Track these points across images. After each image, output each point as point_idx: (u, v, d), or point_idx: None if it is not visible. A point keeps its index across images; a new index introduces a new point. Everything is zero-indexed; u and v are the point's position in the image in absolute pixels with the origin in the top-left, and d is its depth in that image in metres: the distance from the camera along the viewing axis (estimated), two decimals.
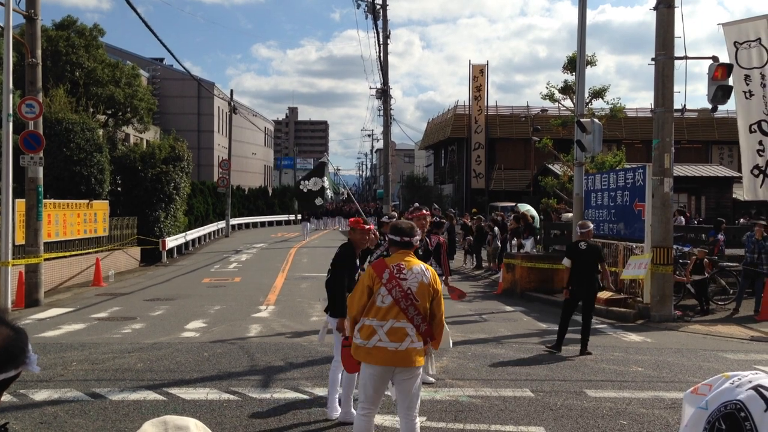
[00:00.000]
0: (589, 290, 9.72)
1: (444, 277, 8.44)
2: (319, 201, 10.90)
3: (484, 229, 22.14)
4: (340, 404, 6.56)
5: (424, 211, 7.95)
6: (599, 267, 9.77)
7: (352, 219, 7.08)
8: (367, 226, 6.90)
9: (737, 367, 8.75)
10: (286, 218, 52.57)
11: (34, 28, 14.28)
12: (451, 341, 8.05)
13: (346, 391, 6.46)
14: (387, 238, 5.17)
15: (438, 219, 10.83)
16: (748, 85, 12.05)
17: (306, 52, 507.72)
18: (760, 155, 13.44)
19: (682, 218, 19.37)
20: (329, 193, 10.05)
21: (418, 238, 5.16)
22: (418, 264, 4.97)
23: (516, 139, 41.86)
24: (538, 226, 19.84)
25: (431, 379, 7.85)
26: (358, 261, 6.89)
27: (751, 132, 13.21)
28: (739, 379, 1.61)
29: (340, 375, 6.56)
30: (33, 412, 6.60)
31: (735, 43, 11.95)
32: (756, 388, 1.56)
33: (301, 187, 11.00)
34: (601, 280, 9.95)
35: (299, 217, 42.41)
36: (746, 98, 12.30)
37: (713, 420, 1.57)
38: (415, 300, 4.83)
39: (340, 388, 6.57)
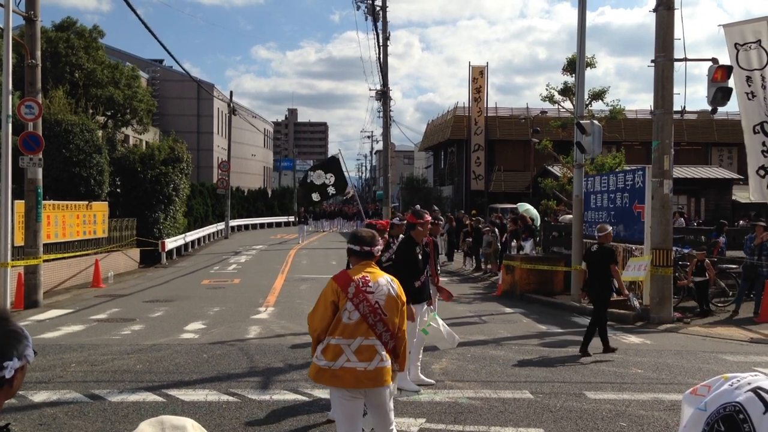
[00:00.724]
0: (599, 293, 9.76)
1: (433, 278, 8.39)
2: (316, 197, 10.62)
3: (481, 230, 22.13)
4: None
5: (427, 217, 7.87)
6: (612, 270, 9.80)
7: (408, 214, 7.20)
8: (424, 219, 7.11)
9: (737, 368, 8.75)
10: (286, 220, 52.56)
11: (33, 30, 14.28)
12: (457, 338, 7.99)
13: None
14: (347, 248, 4.80)
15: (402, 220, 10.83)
16: (750, 86, 12.06)
17: (305, 54, 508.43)
18: (765, 156, 13.45)
19: (682, 220, 19.38)
20: (331, 190, 9.83)
21: (379, 247, 4.85)
22: (382, 275, 4.65)
23: (516, 141, 41.85)
24: (538, 226, 19.84)
25: (431, 381, 7.85)
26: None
27: (755, 133, 13.22)
28: (738, 380, 1.60)
29: None
30: (32, 414, 6.59)
31: (736, 44, 11.96)
32: (755, 390, 1.55)
33: (307, 178, 10.69)
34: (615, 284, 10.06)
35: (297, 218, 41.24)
36: (748, 99, 12.31)
37: (712, 422, 1.57)
38: (384, 314, 4.49)
39: None
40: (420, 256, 7.57)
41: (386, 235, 8.01)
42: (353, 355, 4.43)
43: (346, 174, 10.06)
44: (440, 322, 7.71)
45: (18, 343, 1.82)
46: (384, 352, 4.50)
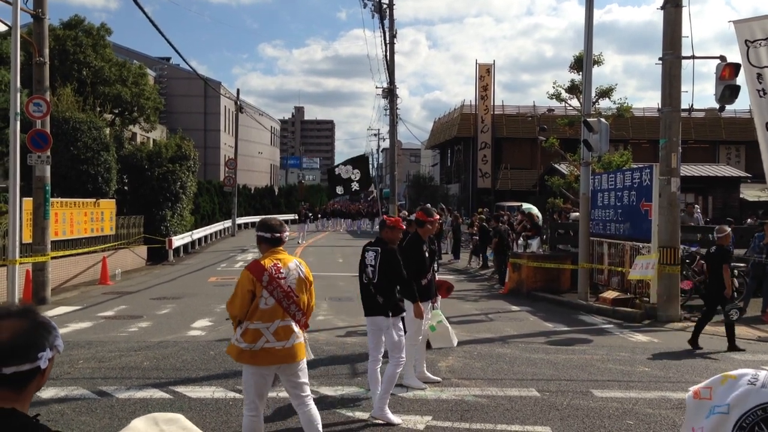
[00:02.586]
0: (716, 291, 10.17)
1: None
2: (340, 190, 10.76)
3: (487, 228, 22.10)
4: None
5: (437, 216, 7.95)
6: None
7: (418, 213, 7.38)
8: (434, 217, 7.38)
9: (744, 367, 8.71)
10: (293, 217, 52.56)
11: (41, 27, 14.33)
12: (455, 339, 8.04)
13: (385, 387, 6.44)
14: (257, 236, 5.15)
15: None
16: (761, 83, 11.94)
17: (312, 52, 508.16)
18: None
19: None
20: (355, 186, 9.90)
21: (287, 234, 5.19)
22: (291, 259, 5.04)
23: (522, 139, 41.79)
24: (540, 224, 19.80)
25: (437, 379, 7.85)
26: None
27: (767, 130, 13.11)
28: (756, 378, 1.57)
29: (379, 370, 6.61)
30: (40, 410, 6.62)
31: (746, 41, 11.85)
32: None
33: (335, 170, 10.82)
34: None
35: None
36: (760, 96, 12.18)
37: (749, 424, 1.52)
38: (296, 296, 4.92)
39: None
40: (426, 254, 7.58)
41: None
42: (272, 336, 4.85)
43: (372, 174, 10.20)
44: (444, 320, 7.72)
45: (48, 334, 1.95)
46: (298, 329, 4.97)
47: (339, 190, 10.57)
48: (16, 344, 1.88)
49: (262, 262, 4.93)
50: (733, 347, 9.98)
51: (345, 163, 10.98)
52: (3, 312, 1.93)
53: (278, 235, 5.03)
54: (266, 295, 4.83)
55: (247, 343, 4.83)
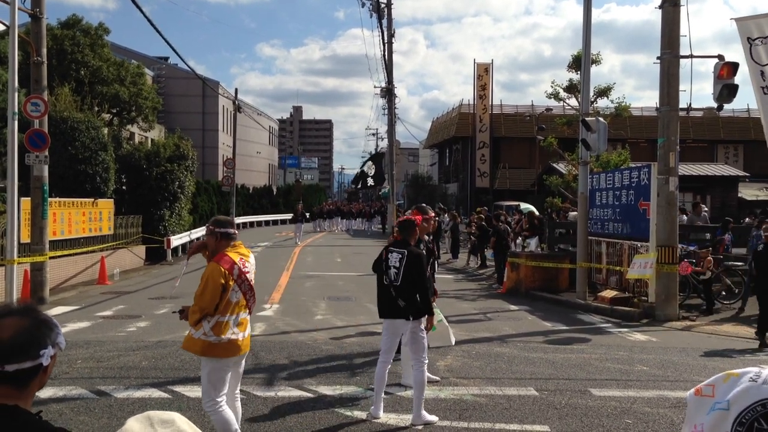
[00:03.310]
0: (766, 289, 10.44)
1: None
2: (356, 184, 10.76)
3: (485, 228, 22.10)
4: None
5: (431, 213, 7.93)
6: None
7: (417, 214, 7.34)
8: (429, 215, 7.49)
9: (742, 366, 8.71)
10: (291, 217, 52.55)
11: (39, 27, 14.31)
12: (453, 339, 8.06)
13: (419, 393, 6.41)
14: (218, 233, 5.23)
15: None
16: (764, 81, 11.92)
17: (310, 51, 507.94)
18: None
19: (685, 217, 19.29)
20: (370, 181, 9.93)
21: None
22: (249, 252, 5.28)
23: (521, 138, 41.80)
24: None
25: (436, 378, 7.85)
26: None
27: None
28: (758, 375, 1.57)
29: (387, 371, 6.61)
30: (38, 409, 6.61)
31: (748, 39, 11.83)
32: None
33: (363, 167, 10.87)
34: None
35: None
36: (764, 94, 12.17)
37: (748, 420, 1.53)
38: (254, 289, 5.20)
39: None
40: (424, 252, 7.56)
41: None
42: (236, 327, 5.06)
43: (384, 170, 10.20)
44: (443, 319, 7.71)
45: (50, 331, 1.98)
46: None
47: (353, 185, 10.57)
48: (18, 342, 1.90)
49: (231, 256, 5.08)
50: None
51: (368, 160, 11.06)
52: (4, 310, 1.95)
53: (234, 230, 5.29)
54: (236, 288, 5.01)
55: (216, 336, 4.95)
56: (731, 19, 12.29)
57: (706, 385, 1.75)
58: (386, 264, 6.55)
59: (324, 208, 46.03)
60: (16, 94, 13.14)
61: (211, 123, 56.85)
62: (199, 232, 30.54)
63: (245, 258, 5.16)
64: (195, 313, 5.02)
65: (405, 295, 6.43)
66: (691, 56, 12.81)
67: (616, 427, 6.38)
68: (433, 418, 6.41)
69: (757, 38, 11.70)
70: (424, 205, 8.29)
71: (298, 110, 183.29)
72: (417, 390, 6.41)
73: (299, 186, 61.79)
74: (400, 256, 6.48)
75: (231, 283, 4.98)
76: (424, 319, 6.55)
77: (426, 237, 7.96)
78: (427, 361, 6.64)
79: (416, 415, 6.36)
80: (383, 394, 6.65)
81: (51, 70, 19.87)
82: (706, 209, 23.61)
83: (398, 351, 8.17)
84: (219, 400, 5.06)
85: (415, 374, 6.49)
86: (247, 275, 5.11)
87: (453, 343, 8.06)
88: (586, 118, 14.42)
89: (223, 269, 4.98)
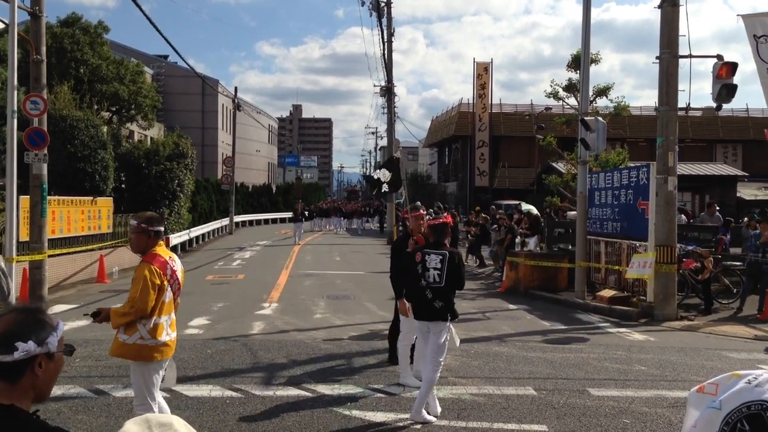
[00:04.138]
0: None
1: None
2: (375, 191, 10.80)
3: (485, 227, 22.11)
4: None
5: (422, 211, 7.98)
6: None
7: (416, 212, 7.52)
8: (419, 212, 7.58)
9: (740, 366, 8.74)
10: (290, 215, 52.48)
11: (38, 25, 14.29)
12: (457, 340, 7.98)
13: (425, 391, 6.47)
14: (151, 231, 5.09)
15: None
16: None
17: (310, 50, 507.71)
18: None
19: (683, 216, 19.28)
20: (385, 187, 9.85)
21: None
22: (172, 253, 5.21)
23: (520, 137, 41.77)
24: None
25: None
26: None
27: None
28: (756, 378, 1.58)
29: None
30: (35, 408, 6.61)
31: (754, 36, 11.80)
32: None
33: (375, 175, 10.77)
34: None
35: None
36: None
37: (734, 420, 1.54)
38: (180, 288, 5.14)
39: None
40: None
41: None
42: (169, 328, 5.02)
43: (402, 176, 10.13)
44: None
45: (40, 329, 2.00)
46: None
47: (374, 192, 10.62)
48: (5, 335, 1.95)
49: (162, 255, 5.00)
50: None
51: (379, 167, 11.02)
52: (11, 307, 2.06)
53: (163, 228, 5.21)
54: (168, 288, 4.96)
55: (153, 339, 4.88)
56: (738, 15, 12.25)
57: (710, 383, 1.76)
58: (423, 266, 6.52)
59: (322, 207, 45.71)
60: (16, 93, 13.13)
61: (211, 121, 56.80)
62: (199, 230, 30.58)
63: (172, 257, 5.09)
64: (126, 316, 4.84)
65: (444, 297, 6.49)
66: (690, 56, 12.81)
67: (614, 426, 6.39)
68: (431, 418, 6.42)
69: (762, 36, 11.67)
70: (418, 203, 8.33)
71: (297, 109, 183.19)
72: (424, 388, 6.45)
73: (299, 184, 61.71)
74: (441, 257, 6.50)
75: (165, 283, 4.90)
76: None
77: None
78: (442, 365, 6.68)
79: (416, 411, 6.38)
80: (435, 391, 6.69)
81: (50, 69, 19.85)
82: (718, 209, 23.51)
83: (395, 354, 8.19)
84: (154, 404, 5.03)
85: (429, 374, 6.51)
86: (177, 274, 5.06)
87: (457, 345, 8.00)
88: (585, 118, 14.42)
89: (158, 270, 4.88)
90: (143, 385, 4.99)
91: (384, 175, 10.46)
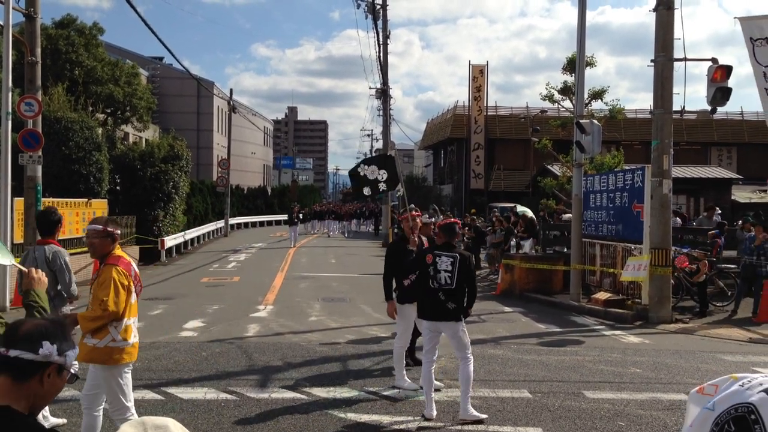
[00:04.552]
0: None
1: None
2: (367, 191, 10.34)
3: (481, 229, 22.12)
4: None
5: (414, 212, 8.01)
6: None
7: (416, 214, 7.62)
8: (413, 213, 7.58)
9: (735, 369, 8.76)
10: (285, 218, 52.42)
11: (33, 27, 14.27)
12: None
13: (466, 388, 6.51)
14: (115, 235, 5.18)
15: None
16: (767, 82, 11.90)
17: (305, 52, 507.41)
18: None
19: (678, 219, 19.32)
20: (382, 186, 9.57)
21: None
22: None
23: (515, 140, 41.85)
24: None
25: (440, 384, 7.71)
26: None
27: None
28: (749, 381, 1.59)
29: (433, 371, 6.73)
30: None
31: (751, 39, 11.82)
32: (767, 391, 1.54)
33: (358, 169, 10.21)
34: None
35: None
36: (767, 94, 12.15)
37: (722, 422, 1.55)
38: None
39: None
40: (414, 255, 7.52)
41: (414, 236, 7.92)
42: (135, 329, 5.07)
43: (399, 174, 9.85)
44: None
45: (63, 339, 2.12)
46: None
47: (366, 191, 10.07)
48: (29, 333, 2.05)
49: (125, 257, 5.04)
50: None
51: (368, 163, 10.40)
52: (46, 316, 2.31)
53: (119, 230, 5.21)
54: (134, 289, 5.00)
55: (124, 341, 4.90)
56: (735, 18, 12.25)
57: (710, 384, 1.77)
58: (435, 268, 6.57)
59: (315, 210, 45.09)
60: (10, 94, 13.10)
61: (206, 123, 56.81)
62: (194, 233, 30.53)
63: (131, 259, 5.17)
64: (98, 320, 4.81)
65: (456, 298, 6.54)
66: (685, 59, 12.84)
67: (609, 429, 6.39)
68: (482, 416, 6.49)
69: (758, 39, 11.69)
70: (411, 205, 8.33)
71: (293, 111, 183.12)
72: (464, 385, 6.51)
73: (295, 187, 61.63)
74: (452, 259, 6.55)
75: (131, 284, 4.94)
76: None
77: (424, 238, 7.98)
78: (472, 357, 6.72)
79: (464, 410, 6.45)
80: (433, 394, 6.70)
81: (45, 70, 19.81)
82: (719, 211, 23.51)
83: (411, 357, 8.20)
84: (131, 405, 4.99)
85: (462, 370, 6.58)
86: (138, 274, 5.13)
87: None
88: (581, 121, 14.44)
89: (125, 271, 4.92)
90: (117, 389, 4.94)
91: (373, 172, 10.14)
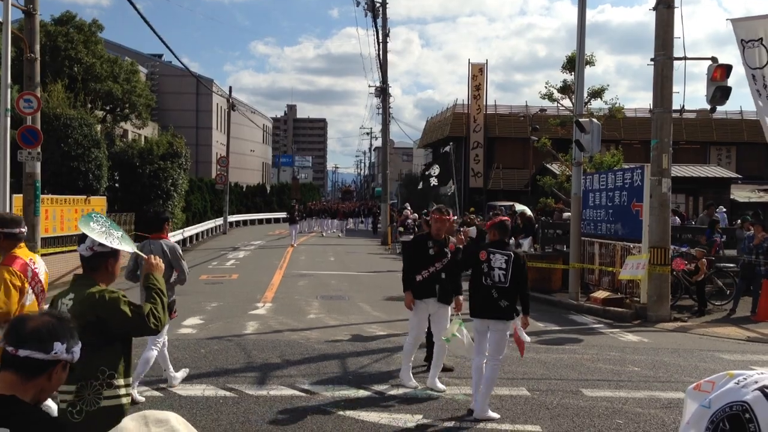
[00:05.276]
0: None
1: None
2: (420, 185, 10.43)
3: (481, 228, 22.11)
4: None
5: (449, 215, 7.73)
6: None
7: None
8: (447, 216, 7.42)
9: (733, 367, 8.76)
10: (284, 216, 52.40)
11: (32, 23, 14.24)
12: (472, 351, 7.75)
13: (487, 390, 6.52)
14: (1, 233, 4.85)
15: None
16: (756, 84, 11.93)
17: (304, 50, 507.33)
18: None
19: (677, 218, 19.34)
20: (433, 181, 9.59)
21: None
22: (34, 254, 5.05)
23: (515, 139, 41.83)
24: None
25: (443, 387, 7.60)
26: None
27: None
28: (745, 378, 1.58)
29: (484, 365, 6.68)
30: None
31: (742, 41, 11.85)
32: (762, 389, 1.53)
33: (426, 171, 10.32)
34: None
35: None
36: (759, 95, 12.18)
37: (717, 420, 1.55)
38: (45, 291, 5.00)
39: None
40: (431, 252, 7.46)
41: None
42: None
43: (452, 170, 9.85)
44: (465, 332, 7.29)
45: (71, 338, 2.14)
46: None
47: (420, 185, 10.15)
48: (38, 332, 2.06)
49: (22, 257, 4.84)
50: None
51: (430, 165, 10.70)
52: (46, 311, 2.34)
53: (24, 230, 4.98)
54: (30, 291, 4.82)
55: None
56: (727, 19, 12.27)
57: (706, 381, 1.77)
58: (488, 265, 6.60)
59: (311, 207, 44.17)
60: (9, 91, 13.08)
61: (205, 121, 56.74)
62: (193, 230, 30.51)
63: (33, 258, 4.94)
64: None
65: (509, 296, 6.58)
66: (685, 58, 12.85)
67: (607, 427, 6.40)
68: (495, 415, 6.50)
69: (750, 41, 11.71)
70: (442, 206, 8.19)
71: (292, 109, 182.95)
72: (486, 387, 6.52)
73: (296, 184, 61.45)
74: (506, 258, 6.60)
75: (26, 285, 4.78)
76: (518, 319, 6.69)
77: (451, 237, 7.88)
78: (500, 363, 6.77)
79: (480, 409, 6.46)
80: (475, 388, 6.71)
81: (44, 67, 19.79)
82: (724, 210, 23.52)
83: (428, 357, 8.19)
84: None
85: (490, 372, 6.59)
86: (39, 276, 4.92)
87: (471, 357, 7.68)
88: (580, 119, 14.45)
89: (17, 271, 4.75)
90: None
91: (433, 168, 10.21)
